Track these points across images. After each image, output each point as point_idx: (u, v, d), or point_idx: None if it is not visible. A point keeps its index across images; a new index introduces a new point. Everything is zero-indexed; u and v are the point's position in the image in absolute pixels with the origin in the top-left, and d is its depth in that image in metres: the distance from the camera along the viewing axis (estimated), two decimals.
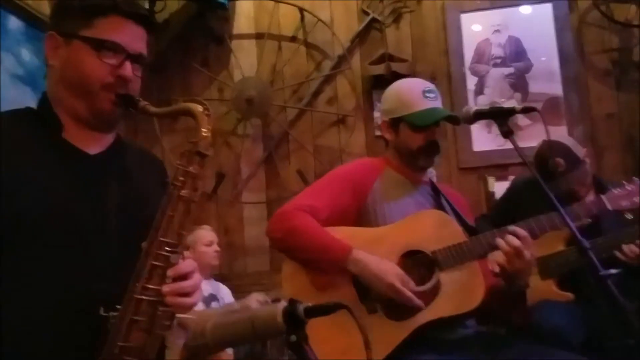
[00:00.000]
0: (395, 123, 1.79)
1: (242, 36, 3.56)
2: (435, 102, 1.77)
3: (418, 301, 1.54)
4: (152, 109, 1.14)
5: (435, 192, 1.82)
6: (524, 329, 1.73)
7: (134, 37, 1.16)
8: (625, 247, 2.04)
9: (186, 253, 2.98)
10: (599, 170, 3.10)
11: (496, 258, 1.55)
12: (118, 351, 1.01)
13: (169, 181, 1.09)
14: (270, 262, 3.39)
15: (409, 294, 1.53)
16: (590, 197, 2.31)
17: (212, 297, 3.02)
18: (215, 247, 3.05)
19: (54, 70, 1.16)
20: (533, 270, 2.11)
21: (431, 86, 1.81)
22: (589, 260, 1.35)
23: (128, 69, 1.14)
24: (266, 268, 3.40)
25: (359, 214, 1.71)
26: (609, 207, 1.65)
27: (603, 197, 1.67)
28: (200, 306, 2.88)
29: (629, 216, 1.68)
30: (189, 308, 1.07)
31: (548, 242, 2.13)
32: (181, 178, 1.07)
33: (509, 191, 2.58)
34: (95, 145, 1.19)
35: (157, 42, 3.50)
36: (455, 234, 1.65)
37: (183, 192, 1.06)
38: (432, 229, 1.65)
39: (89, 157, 1.17)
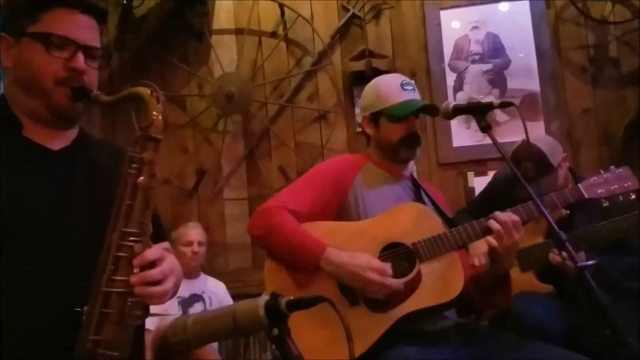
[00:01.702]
0: (375, 118, 1.81)
1: (221, 31, 3.53)
2: (413, 94, 1.81)
3: (400, 285, 1.55)
4: (104, 97, 1.12)
5: (416, 187, 1.84)
6: (508, 314, 1.75)
7: (82, 28, 1.14)
8: (550, 255, 2.08)
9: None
10: (576, 166, 3.15)
11: (487, 239, 1.57)
12: (91, 345, 1.00)
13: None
14: (252, 259, 3.38)
15: (389, 282, 1.54)
16: None
17: (196, 298, 2.93)
18: (195, 247, 2.95)
19: (9, 71, 1.15)
20: (513, 262, 2.14)
21: (408, 80, 1.84)
22: (566, 252, 1.37)
23: (80, 60, 1.12)
24: (248, 265, 3.39)
25: (341, 209, 1.72)
26: (586, 195, 1.67)
27: (580, 185, 1.69)
28: (175, 308, 2.77)
29: (606, 203, 1.70)
30: (160, 297, 1.05)
31: (527, 235, 2.15)
32: (135, 165, 1.05)
33: (491, 185, 2.60)
34: (57, 140, 1.17)
35: (136, 38, 3.46)
36: (434, 226, 1.67)
37: (139, 180, 1.04)
38: (412, 221, 1.67)
39: (53, 153, 1.16)
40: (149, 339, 1.14)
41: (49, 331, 1.05)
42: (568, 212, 2.02)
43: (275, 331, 0.87)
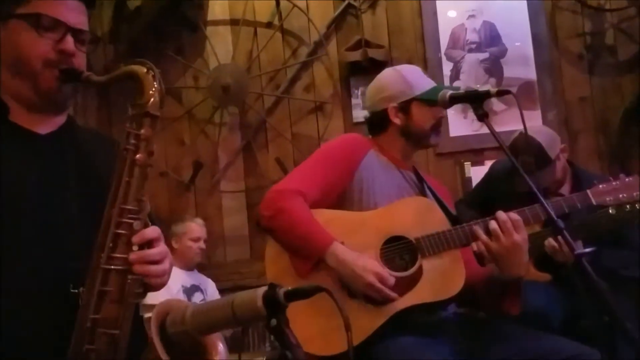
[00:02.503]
0: (405, 106, 1.77)
1: (216, 22, 3.51)
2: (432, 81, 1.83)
3: (395, 296, 1.54)
4: (96, 78, 1.12)
5: (419, 179, 1.82)
6: (516, 317, 1.73)
7: (72, 11, 1.13)
8: (546, 242, 2.08)
9: (172, 242, 3.08)
10: (573, 154, 3.15)
11: (483, 240, 1.55)
12: (90, 324, 0.99)
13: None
14: (250, 251, 3.38)
15: (387, 292, 1.53)
16: (566, 188, 2.34)
17: (195, 288, 3.04)
18: (202, 244, 3.08)
19: None
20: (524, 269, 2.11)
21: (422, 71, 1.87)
22: (564, 240, 1.37)
23: (70, 42, 1.11)
24: (246, 257, 3.39)
25: (345, 192, 1.69)
26: (594, 202, 1.67)
27: (588, 191, 1.68)
28: (181, 296, 2.91)
29: (613, 210, 1.69)
30: (158, 276, 1.05)
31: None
32: (133, 141, 1.04)
33: (488, 176, 2.60)
34: (45, 126, 1.16)
35: (130, 30, 3.44)
36: (438, 221, 1.65)
37: (137, 157, 1.03)
38: (416, 215, 1.65)
39: (41, 137, 1.15)
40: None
41: (44, 314, 1.04)
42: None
43: (274, 321, 0.86)
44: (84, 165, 1.17)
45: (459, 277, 1.58)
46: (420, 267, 1.59)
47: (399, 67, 1.89)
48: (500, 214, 1.55)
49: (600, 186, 1.69)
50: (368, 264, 1.54)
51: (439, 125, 1.79)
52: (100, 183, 1.08)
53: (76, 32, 1.13)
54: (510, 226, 1.52)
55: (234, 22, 3.49)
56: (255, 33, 3.48)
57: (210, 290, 3.10)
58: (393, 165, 1.79)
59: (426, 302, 1.56)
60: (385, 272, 1.55)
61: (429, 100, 1.74)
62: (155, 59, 3.62)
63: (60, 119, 1.19)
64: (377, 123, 1.83)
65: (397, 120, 1.78)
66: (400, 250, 1.62)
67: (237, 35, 3.46)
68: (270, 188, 1.71)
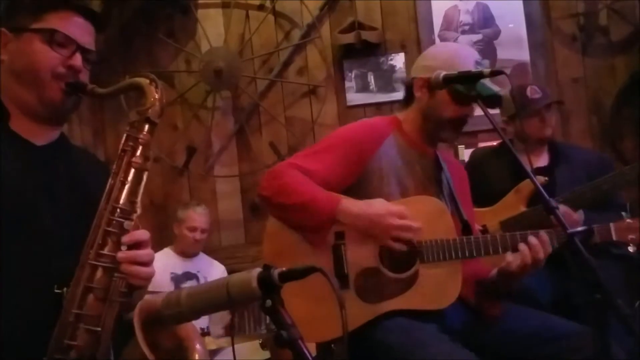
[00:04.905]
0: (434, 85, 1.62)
1: (208, 5, 3.48)
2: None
3: (418, 226, 1.52)
4: (100, 90, 1.18)
5: (438, 167, 1.73)
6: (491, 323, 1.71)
7: (83, 31, 1.21)
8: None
9: (174, 227, 3.01)
10: (566, 135, 3.18)
11: (507, 258, 1.53)
12: (73, 319, 1.02)
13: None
14: (245, 235, 3.39)
15: (410, 224, 1.51)
16: (545, 159, 2.35)
17: (189, 276, 3.01)
18: (197, 234, 3.01)
19: (4, 64, 1.19)
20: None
21: (481, 59, 1.69)
22: (556, 219, 1.38)
23: (78, 59, 1.18)
24: (241, 241, 3.40)
25: (357, 181, 1.63)
26: (615, 237, 1.59)
27: (612, 225, 1.60)
28: (169, 285, 2.87)
29: (632, 249, 1.58)
30: (145, 278, 1.08)
31: (509, 205, 2.17)
32: (131, 144, 1.09)
33: (469, 165, 2.60)
34: (42, 137, 1.21)
35: (120, 13, 3.40)
36: (446, 226, 1.58)
37: (134, 159, 1.08)
38: (424, 217, 1.57)
39: (36, 148, 1.19)
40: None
41: (27, 313, 1.06)
42: (547, 179, 2.05)
43: (269, 302, 0.87)
44: (74, 178, 1.22)
45: (453, 291, 1.53)
46: (417, 272, 1.54)
47: (459, 46, 1.78)
48: (532, 239, 1.52)
49: (628, 221, 1.59)
50: (381, 207, 1.52)
51: (461, 122, 1.63)
52: (88, 197, 1.14)
53: (85, 51, 1.20)
54: (540, 247, 1.51)
55: (225, 5, 3.46)
56: (247, 16, 3.45)
57: (215, 275, 3.03)
58: (413, 151, 1.67)
59: (414, 309, 1.52)
60: (398, 207, 1.52)
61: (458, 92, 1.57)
62: (146, 43, 3.63)
63: (55, 134, 1.24)
64: (406, 93, 1.71)
65: (419, 94, 1.64)
66: (400, 250, 1.55)
67: (229, 18, 3.43)
68: (269, 169, 1.67)
